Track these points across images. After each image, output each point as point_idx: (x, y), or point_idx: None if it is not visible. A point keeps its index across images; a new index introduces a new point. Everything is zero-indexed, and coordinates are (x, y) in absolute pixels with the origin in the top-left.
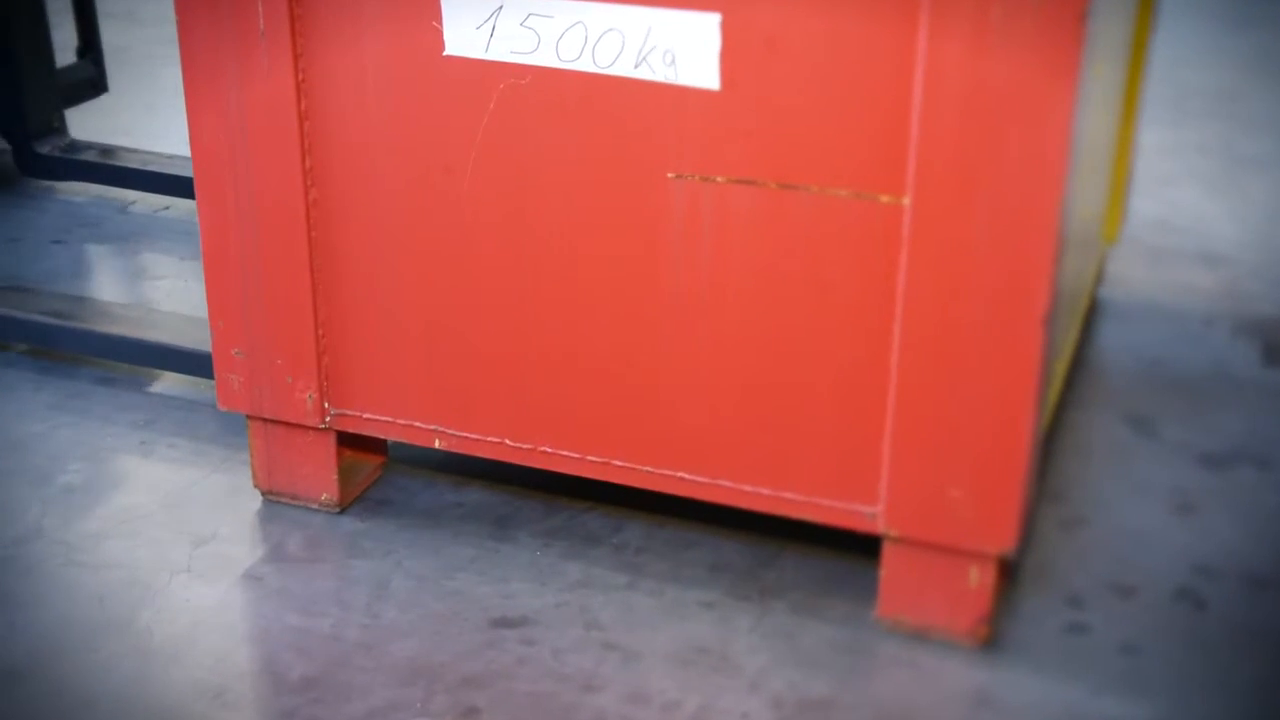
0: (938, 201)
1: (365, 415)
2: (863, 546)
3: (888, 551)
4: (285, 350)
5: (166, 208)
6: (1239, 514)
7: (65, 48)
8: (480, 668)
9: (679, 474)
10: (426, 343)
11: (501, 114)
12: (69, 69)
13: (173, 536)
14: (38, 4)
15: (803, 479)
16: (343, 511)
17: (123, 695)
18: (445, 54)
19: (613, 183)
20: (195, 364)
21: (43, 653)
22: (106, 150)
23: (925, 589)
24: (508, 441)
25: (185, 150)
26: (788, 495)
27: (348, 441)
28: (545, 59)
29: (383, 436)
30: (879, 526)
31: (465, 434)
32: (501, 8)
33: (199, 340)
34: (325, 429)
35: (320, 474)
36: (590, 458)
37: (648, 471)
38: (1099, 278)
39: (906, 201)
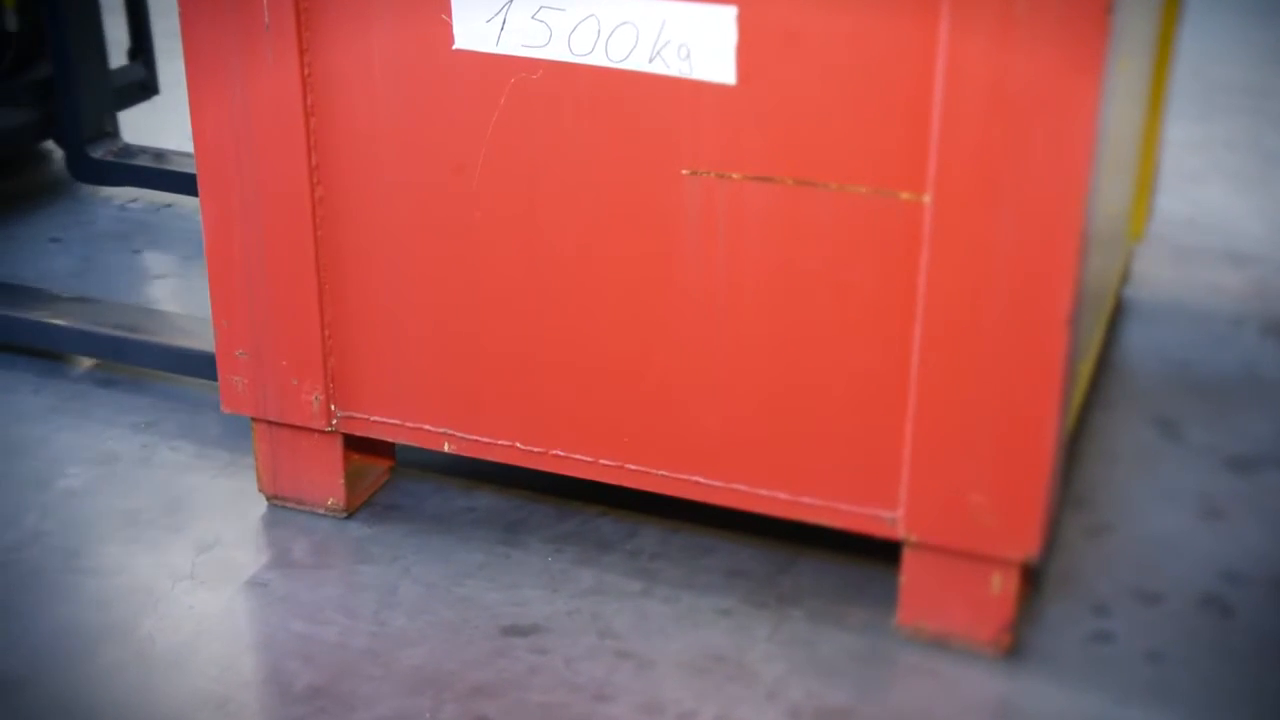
0: (959, 199)
1: (373, 418)
2: (882, 552)
3: (908, 557)
4: (291, 351)
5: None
6: (1267, 519)
7: (114, 48)
8: (490, 676)
9: (694, 478)
10: (435, 344)
11: (512, 110)
12: (120, 71)
13: (175, 542)
14: (92, 5)
15: (821, 483)
16: (350, 516)
17: (124, 705)
18: (454, 48)
19: (626, 180)
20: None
21: (42, 661)
22: (159, 154)
23: (946, 596)
24: (519, 445)
25: None
26: (806, 500)
27: (355, 445)
28: (557, 53)
29: (391, 440)
30: (899, 532)
31: (475, 437)
32: (512, 0)
33: None
34: (332, 432)
35: (326, 478)
36: (603, 461)
37: (662, 475)
38: (1124, 277)
39: (927, 199)
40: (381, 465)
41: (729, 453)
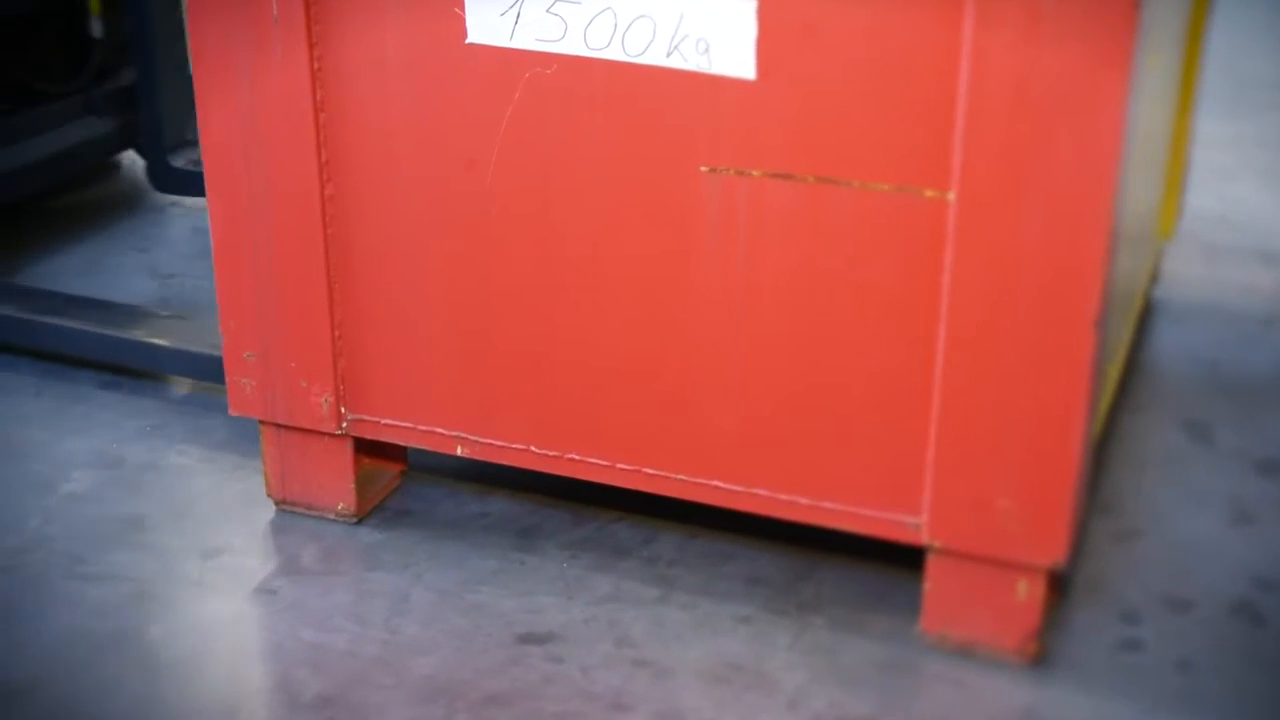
0: (985, 196)
1: (384, 421)
2: (905, 559)
3: (932, 564)
4: (300, 353)
5: None
6: None
7: None
8: (505, 686)
9: (713, 482)
10: (448, 345)
11: (526, 105)
12: None
13: (182, 548)
14: (174, 12)
15: (843, 488)
16: (360, 522)
17: (129, 714)
18: (468, 41)
19: (643, 177)
20: None
21: (45, 670)
22: None
23: (971, 603)
24: (533, 448)
25: None
26: (827, 505)
27: (365, 448)
28: (572, 47)
29: (402, 443)
30: (923, 538)
31: (489, 440)
32: None
33: None
34: (342, 435)
35: (337, 482)
36: (620, 465)
37: (680, 480)
38: (1153, 276)
39: (951, 196)
40: (393, 469)
41: (748, 456)
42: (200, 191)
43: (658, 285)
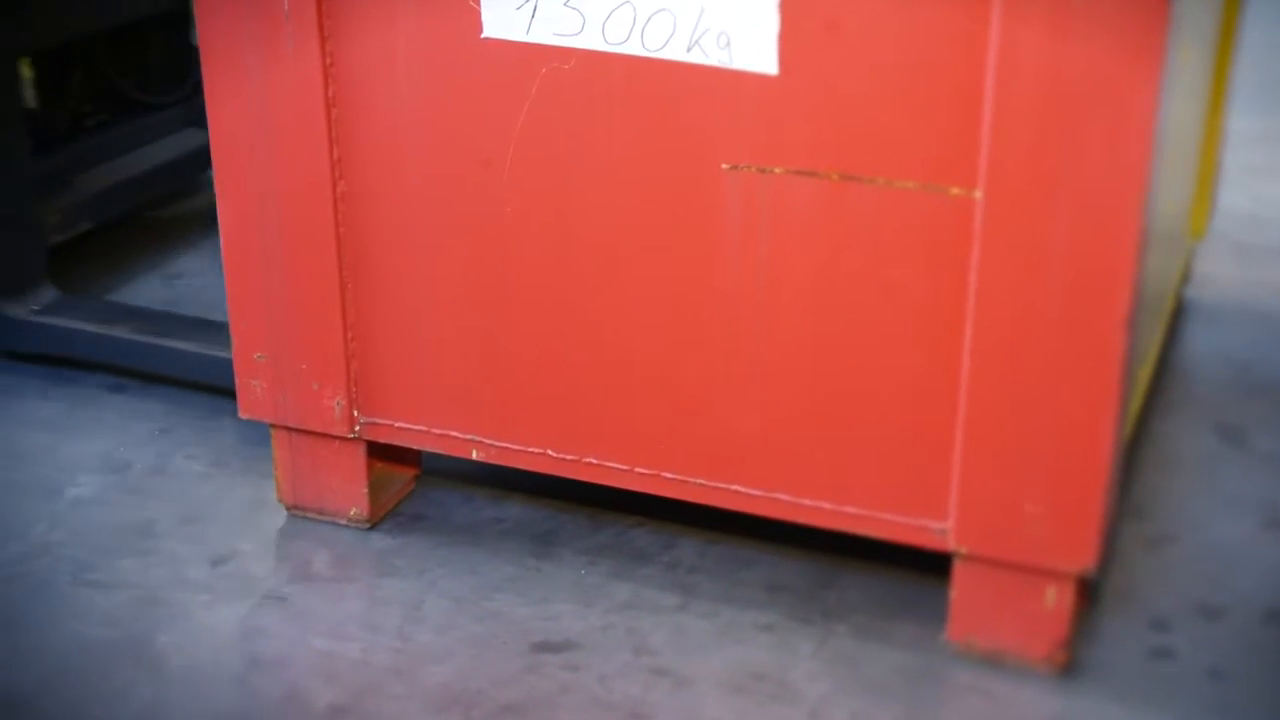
0: (1012, 194)
1: (397, 424)
2: (931, 565)
3: (958, 570)
4: (311, 354)
5: None
6: None
7: None
8: (521, 695)
9: (734, 487)
10: (463, 346)
11: (543, 101)
12: None
13: (191, 554)
14: None
15: (867, 492)
16: (373, 527)
17: None
18: (483, 36)
19: (662, 175)
20: None
21: (50, 679)
22: None
23: (998, 611)
24: (550, 452)
25: None
26: (851, 510)
27: (378, 452)
28: (591, 42)
29: (416, 447)
30: (949, 543)
31: (505, 444)
32: None
33: None
34: (354, 439)
35: (349, 487)
36: (639, 470)
37: (701, 484)
38: (1185, 276)
39: (978, 194)
40: (406, 474)
41: (770, 460)
42: None
43: (677, 285)
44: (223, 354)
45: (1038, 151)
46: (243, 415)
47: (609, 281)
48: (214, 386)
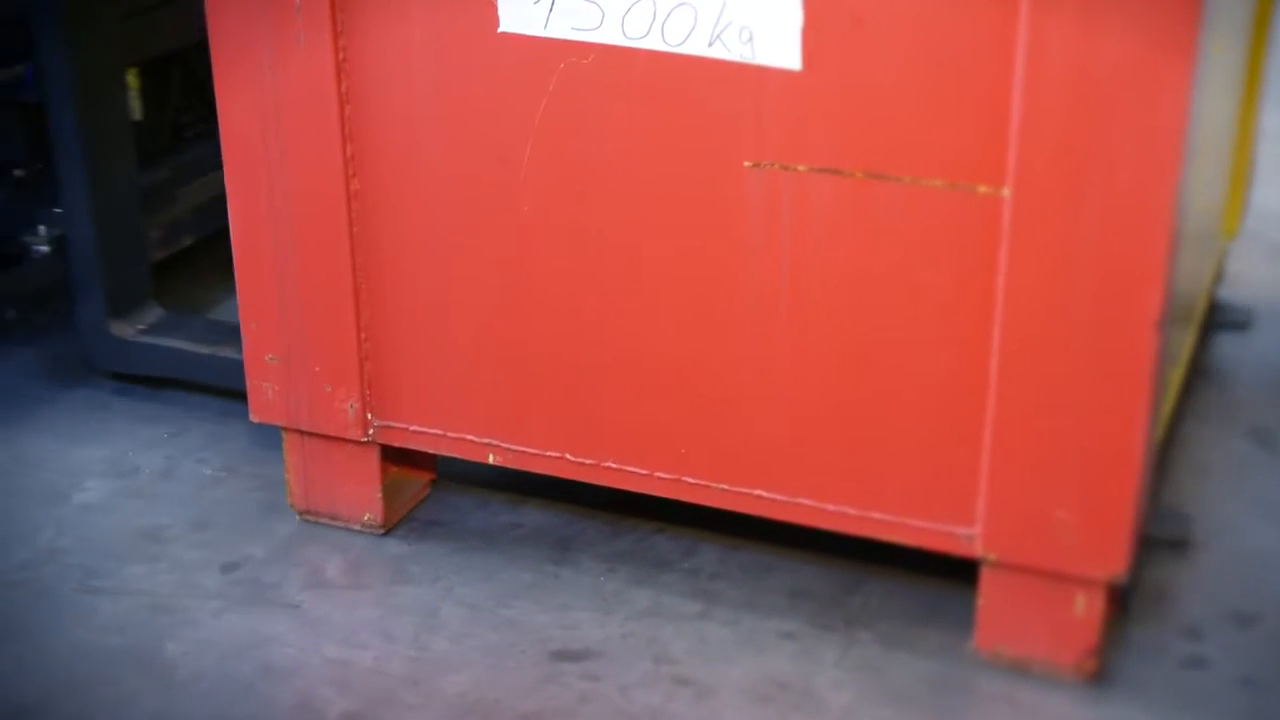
0: (1041, 193)
1: (412, 428)
2: (958, 572)
3: (986, 577)
4: (324, 356)
5: None
6: None
7: None
8: (539, 704)
9: (756, 492)
10: (479, 348)
11: (561, 97)
12: None
13: (200, 560)
14: None
15: (892, 498)
16: (387, 533)
17: None
18: (500, 30)
19: (683, 172)
20: None
21: (57, 687)
22: None
23: (1027, 618)
24: (568, 456)
25: None
26: (876, 515)
27: (393, 456)
28: (610, 36)
29: (431, 451)
30: (976, 550)
31: (522, 448)
32: None
33: None
34: (368, 443)
35: (363, 492)
36: (659, 474)
37: (722, 489)
38: (1218, 277)
39: (1006, 193)
40: (421, 478)
41: (793, 465)
42: None
43: (699, 285)
44: None
45: (1067, 149)
46: (254, 418)
47: (628, 281)
48: None
